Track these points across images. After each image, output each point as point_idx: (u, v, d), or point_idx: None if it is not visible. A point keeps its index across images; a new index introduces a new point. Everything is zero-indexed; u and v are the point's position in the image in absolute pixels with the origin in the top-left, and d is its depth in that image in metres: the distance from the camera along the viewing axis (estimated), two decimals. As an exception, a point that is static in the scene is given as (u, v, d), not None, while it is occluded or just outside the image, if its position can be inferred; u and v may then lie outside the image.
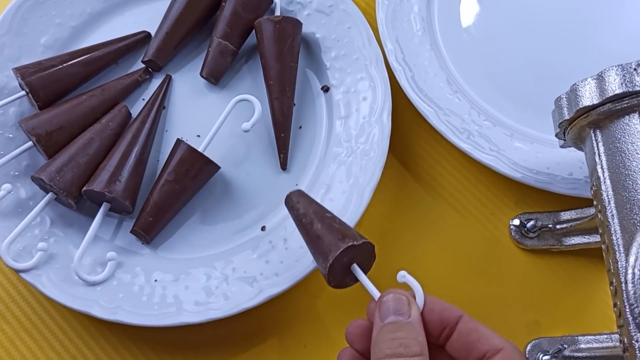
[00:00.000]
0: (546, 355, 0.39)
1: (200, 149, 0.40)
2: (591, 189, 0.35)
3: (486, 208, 0.44)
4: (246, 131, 0.40)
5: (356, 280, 0.32)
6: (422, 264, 0.42)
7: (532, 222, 0.42)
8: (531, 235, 0.42)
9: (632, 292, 0.26)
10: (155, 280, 0.39)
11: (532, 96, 0.45)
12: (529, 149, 0.43)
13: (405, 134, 0.46)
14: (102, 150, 0.41)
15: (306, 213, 0.34)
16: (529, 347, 0.40)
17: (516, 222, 0.42)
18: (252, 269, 0.39)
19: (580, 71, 0.38)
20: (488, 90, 0.45)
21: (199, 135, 0.43)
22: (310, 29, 0.46)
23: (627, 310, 0.28)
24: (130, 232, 0.40)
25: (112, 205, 0.40)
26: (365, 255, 0.33)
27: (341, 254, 0.31)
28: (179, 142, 0.41)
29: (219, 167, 0.41)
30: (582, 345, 0.39)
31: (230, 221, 0.42)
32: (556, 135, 0.38)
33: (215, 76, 0.44)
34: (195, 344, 0.40)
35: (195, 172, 0.40)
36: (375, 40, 0.44)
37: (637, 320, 0.26)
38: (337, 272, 0.32)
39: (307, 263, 0.39)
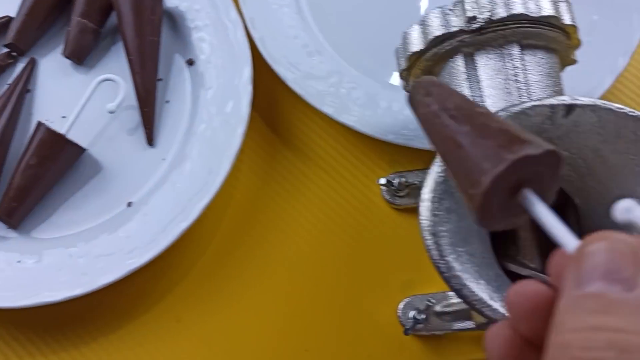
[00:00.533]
0: (419, 312, 0.38)
1: (62, 132, 0.40)
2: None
3: (358, 170, 0.43)
4: (111, 112, 0.39)
5: (524, 214, 0.19)
6: (295, 228, 0.42)
7: (398, 180, 0.41)
8: (401, 193, 0.42)
9: (424, 224, 0.26)
10: (19, 262, 0.39)
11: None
12: (396, 108, 0.42)
13: (273, 101, 0.45)
14: (-40, 137, 0.41)
15: (443, 109, 0.21)
16: (401, 306, 0.40)
17: (382, 180, 0.42)
18: (114, 245, 0.39)
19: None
20: (353, 51, 0.44)
21: (64, 117, 0.43)
22: (173, 2, 0.45)
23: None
24: None
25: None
26: (545, 174, 0.19)
27: (506, 170, 0.18)
28: (39, 125, 0.40)
29: (84, 150, 0.41)
30: (452, 300, 0.39)
31: (97, 199, 0.41)
32: (404, 89, 0.38)
33: (78, 56, 0.44)
34: (63, 323, 0.40)
35: (57, 155, 0.40)
36: (235, 9, 0.44)
37: (429, 254, 0.25)
38: (494, 201, 0.18)
39: (173, 234, 0.38)
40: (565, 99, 0.27)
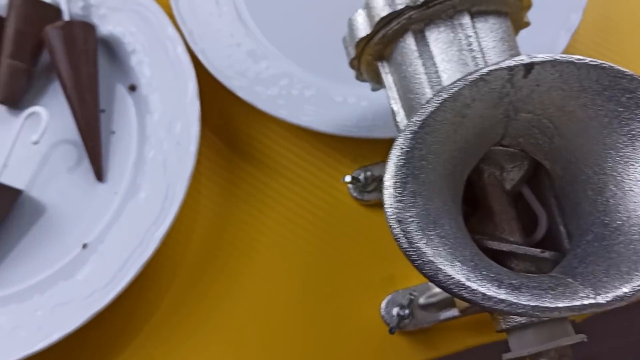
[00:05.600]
0: (402, 308, 0.36)
1: None
2: (394, 124, 0.33)
3: (322, 171, 0.41)
4: (35, 143, 0.37)
5: None
6: (264, 241, 0.40)
7: (362, 175, 0.39)
8: (369, 188, 0.40)
9: (389, 212, 0.23)
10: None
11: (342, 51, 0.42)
12: (352, 101, 0.40)
13: (224, 115, 0.43)
14: None
15: None
16: (383, 304, 0.37)
17: (347, 178, 0.39)
18: (72, 291, 0.36)
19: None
20: (299, 51, 0.42)
21: (6, 166, 0.40)
22: (107, 28, 0.43)
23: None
24: None
25: None
26: None
27: None
28: None
29: (20, 191, 0.38)
30: (435, 290, 0.37)
31: (49, 246, 0.38)
32: (357, 79, 0.36)
33: (12, 99, 0.41)
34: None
35: None
36: (172, 25, 0.41)
37: (397, 243, 0.23)
38: None
39: (133, 270, 0.36)
40: (522, 58, 0.26)
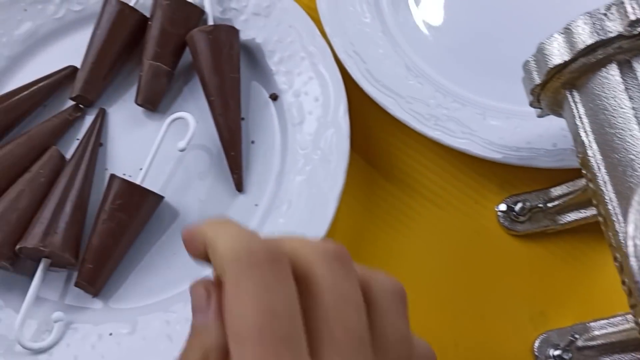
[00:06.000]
0: (557, 349, 0.34)
1: (137, 181, 0.36)
2: (577, 157, 0.31)
3: (468, 197, 0.40)
4: (182, 150, 0.36)
5: None
6: (406, 266, 0.38)
7: (520, 205, 0.37)
8: (522, 219, 0.38)
9: (635, 267, 0.22)
10: (110, 334, 0.35)
11: (499, 66, 0.41)
12: (506, 125, 0.39)
13: (368, 130, 0.41)
14: (35, 201, 0.37)
15: None
16: (537, 344, 0.35)
17: (503, 207, 0.38)
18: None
19: (547, 28, 0.33)
20: (452, 68, 0.41)
21: (141, 169, 0.39)
22: (249, 34, 0.42)
23: (636, 287, 0.23)
24: (75, 285, 0.36)
25: (53, 260, 0.36)
26: None
27: None
28: (112, 177, 0.37)
29: (162, 197, 0.37)
30: (596, 332, 0.35)
31: (187, 256, 0.37)
32: (531, 105, 0.34)
33: (152, 102, 0.40)
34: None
35: (133, 207, 0.36)
36: (320, 35, 0.40)
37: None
38: None
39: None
40: None
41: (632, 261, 0.22)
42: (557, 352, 0.34)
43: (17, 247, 0.35)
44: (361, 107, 0.41)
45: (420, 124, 0.38)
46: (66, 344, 0.35)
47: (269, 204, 0.38)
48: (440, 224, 0.39)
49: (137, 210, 0.36)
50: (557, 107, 0.33)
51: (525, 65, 0.32)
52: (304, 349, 0.18)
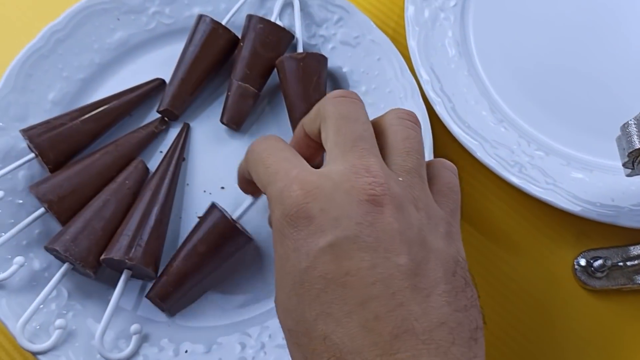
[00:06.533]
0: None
1: (234, 216, 0.36)
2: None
3: (544, 246, 0.40)
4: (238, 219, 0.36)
5: None
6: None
7: (600, 261, 0.37)
8: (599, 275, 0.38)
9: None
10: (186, 352, 0.35)
11: (586, 117, 0.41)
12: (589, 179, 0.39)
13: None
14: (120, 212, 0.37)
15: None
16: None
17: (582, 262, 0.38)
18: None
19: (635, 82, 0.33)
20: (536, 115, 0.41)
21: (223, 187, 0.40)
22: (336, 63, 0.42)
23: None
24: (146, 296, 0.36)
25: (134, 272, 0.37)
26: None
27: None
28: (213, 208, 0.36)
29: (251, 239, 0.37)
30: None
31: (264, 282, 0.38)
32: (624, 165, 0.34)
33: (237, 122, 0.41)
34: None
35: (227, 245, 0.36)
36: (408, 70, 0.40)
37: None
38: None
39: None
40: None
41: None
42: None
43: (102, 257, 0.36)
44: (444, 146, 0.41)
45: (504, 170, 0.38)
46: (141, 357, 0.35)
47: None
48: (515, 270, 0.39)
49: (228, 248, 0.37)
50: (651, 171, 0.33)
51: (626, 127, 0.32)
52: (374, 145, 0.26)
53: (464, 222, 0.40)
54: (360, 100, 0.28)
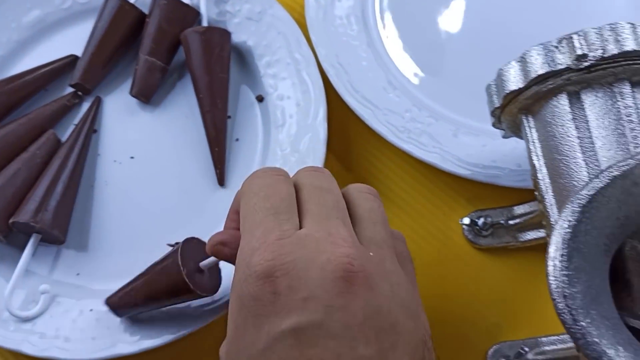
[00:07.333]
0: (513, 361, 0.36)
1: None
2: (531, 179, 0.33)
3: (437, 208, 0.42)
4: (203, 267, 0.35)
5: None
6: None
7: (482, 220, 0.39)
8: (484, 233, 0.40)
9: (553, 285, 0.24)
10: (91, 310, 0.38)
11: (474, 84, 0.42)
12: (475, 143, 0.40)
13: (347, 138, 0.43)
14: (30, 180, 0.40)
15: None
16: (490, 353, 0.38)
17: (466, 220, 0.40)
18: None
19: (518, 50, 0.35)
20: (430, 84, 0.43)
21: (132, 157, 0.42)
22: (241, 37, 0.44)
23: (555, 306, 0.25)
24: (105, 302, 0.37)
25: (43, 235, 0.39)
26: None
27: None
28: (175, 252, 0.34)
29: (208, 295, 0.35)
30: (546, 347, 0.37)
31: (166, 242, 0.40)
32: (493, 125, 0.36)
33: (146, 94, 0.43)
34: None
35: (181, 296, 0.35)
36: (306, 43, 0.42)
37: (561, 318, 0.23)
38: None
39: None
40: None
41: (551, 280, 0.24)
42: (505, 362, 0.37)
43: (10, 221, 0.38)
44: (342, 115, 0.43)
45: (394, 135, 0.40)
46: (50, 315, 0.38)
47: (246, 200, 0.40)
48: (410, 233, 0.41)
49: (179, 297, 0.35)
50: (517, 130, 0.35)
51: (488, 88, 0.34)
52: (295, 214, 0.26)
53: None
54: (332, 175, 0.29)
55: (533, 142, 0.32)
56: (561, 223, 0.25)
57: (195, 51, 0.41)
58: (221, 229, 0.39)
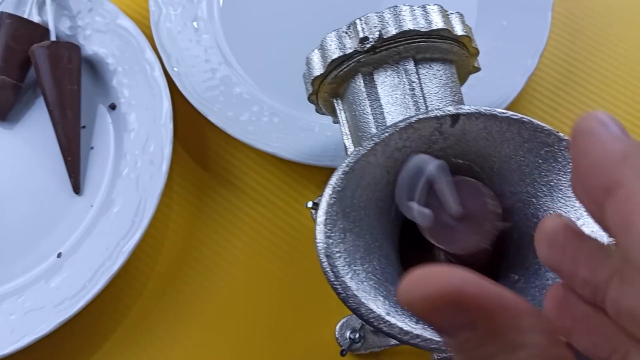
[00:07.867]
0: (352, 332, 0.38)
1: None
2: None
3: (288, 196, 0.44)
4: None
5: None
6: (230, 260, 0.42)
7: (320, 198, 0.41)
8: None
9: (319, 247, 0.26)
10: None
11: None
12: (317, 130, 0.43)
13: (200, 137, 0.45)
14: None
15: None
16: (338, 326, 0.39)
17: (310, 204, 0.42)
18: (44, 298, 0.39)
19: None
20: (269, 80, 0.45)
21: (-10, 174, 0.43)
22: (92, 49, 0.45)
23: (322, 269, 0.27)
24: None
25: None
26: None
27: None
28: None
29: None
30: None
31: (26, 254, 0.41)
32: (317, 112, 0.38)
33: (0, 112, 0.44)
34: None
35: None
36: (151, 49, 0.44)
37: (325, 275, 0.25)
38: None
39: (102, 281, 0.38)
40: (449, 110, 0.28)
41: (317, 242, 0.26)
42: (351, 334, 0.39)
43: None
44: (192, 114, 0.44)
45: (235, 130, 0.42)
46: None
47: (101, 205, 0.42)
48: (265, 222, 0.43)
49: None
50: (335, 115, 0.37)
51: (303, 77, 0.36)
52: None
53: (216, 184, 0.44)
54: None
55: (343, 123, 0.35)
56: (327, 190, 0.27)
57: (43, 65, 0.43)
58: (77, 236, 0.41)
